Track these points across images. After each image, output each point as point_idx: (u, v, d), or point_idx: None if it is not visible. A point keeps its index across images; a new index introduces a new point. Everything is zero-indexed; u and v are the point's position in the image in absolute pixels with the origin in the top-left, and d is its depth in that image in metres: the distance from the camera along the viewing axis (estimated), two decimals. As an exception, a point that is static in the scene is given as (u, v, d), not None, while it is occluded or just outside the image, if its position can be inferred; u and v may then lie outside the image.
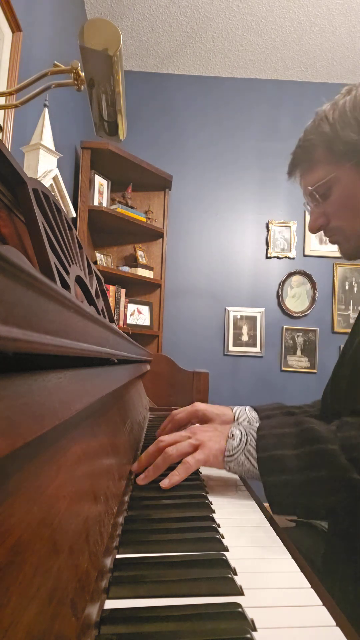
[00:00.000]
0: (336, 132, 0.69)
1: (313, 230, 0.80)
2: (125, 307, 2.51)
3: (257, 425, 0.60)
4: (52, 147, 1.23)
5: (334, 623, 0.30)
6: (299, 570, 0.38)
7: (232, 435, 0.58)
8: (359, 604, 0.57)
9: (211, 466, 0.58)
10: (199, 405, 0.80)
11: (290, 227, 2.90)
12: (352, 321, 2.85)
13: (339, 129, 0.69)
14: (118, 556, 0.37)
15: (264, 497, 0.55)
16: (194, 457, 0.56)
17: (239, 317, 2.85)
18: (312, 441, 0.53)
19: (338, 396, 0.72)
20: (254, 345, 2.83)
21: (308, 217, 0.81)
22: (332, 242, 0.80)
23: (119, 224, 2.48)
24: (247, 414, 0.84)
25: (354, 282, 2.88)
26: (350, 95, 0.70)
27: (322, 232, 0.81)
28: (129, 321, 2.52)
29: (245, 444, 0.57)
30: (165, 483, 0.54)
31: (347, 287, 2.88)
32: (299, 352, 2.84)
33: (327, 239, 0.81)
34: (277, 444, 0.55)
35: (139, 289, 2.65)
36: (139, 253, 2.60)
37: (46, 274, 0.41)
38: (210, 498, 0.54)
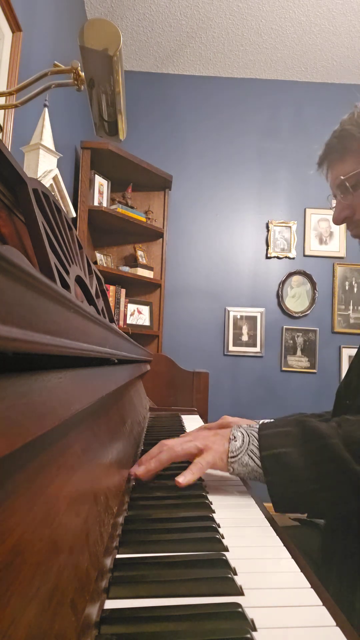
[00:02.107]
0: None
1: (338, 221, 0.80)
2: (125, 307, 2.51)
3: (257, 426, 0.60)
4: (52, 147, 1.23)
5: (334, 623, 0.30)
6: (299, 570, 0.38)
7: (234, 437, 0.58)
8: (355, 597, 0.57)
9: (217, 468, 0.58)
10: (229, 418, 0.81)
11: (290, 227, 2.90)
12: (352, 321, 2.85)
13: None
14: (118, 556, 0.37)
15: (264, 497, 0.55)
16: (204, 459, 0.56)
17: (239, 317, 2.85)
18: (314, 438, 0.53)
19: (349, 391, 0.74)
20: (254, 345, 2.83)
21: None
22: (355, 235, 0.80)
23: (119, 224, 2.48)
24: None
25: (354, 282, 2.88)
26: None
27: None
28: (129, 321, 2.52)
29: (248, 444, 0.57)
30: (181, 479, 0.54)
31: (347, 287, 2.88)
32: (299, 352, 2.83)
33: (350, 232, 0.81)
34: (280, 442, 0.55)
35: (139, 289, 2.65)
36: (139, 253, 2.60)
37: (46, 274, 0.41)
38: (210, 498, 0.54)
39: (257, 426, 0.60)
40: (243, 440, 0.57)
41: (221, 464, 0.57)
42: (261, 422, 0.86)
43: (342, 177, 0.75)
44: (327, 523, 0.71)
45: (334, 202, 0.82)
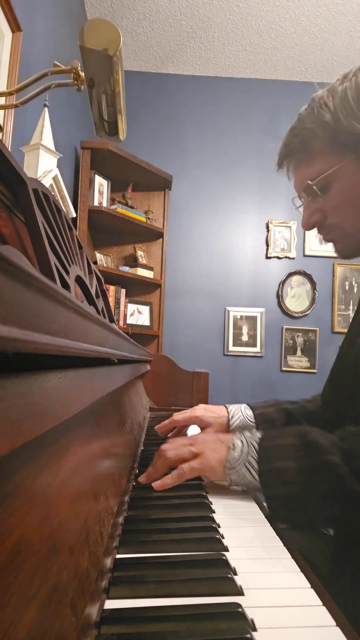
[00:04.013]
0: (339, 122, 0.63)
1: (307, 227, 0.74)
2: (125, 307, 2.51)
3: (259, 435, 0.58)
4: (52, 147, 1.23)
5: (334, 623, 0.30)
6: (299, 570, 0.38)
7: (234, 445, 0.57)
8: None
9: (208, 477, 0.58)
10: (197, 411, 0.80)
11: (290, 227, 2.90)
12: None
13: (341, 118, 0.63)
14: (118, 556, 0.37)
15: (264, 498, 0.55)
16: (190, 465, 0.55)
17: (239, 317, 2.85)
18: (313, 453, 0.52)
19: (339, 398, 0.72)
20: (254, 345, 2.83)
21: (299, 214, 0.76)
22: (328, 240, 0.75)
23: (119, 224, 2.48)
24: (241, 413, 0.83)
25: (354, 282, 2.88)
26: (350, 82, 0.64)
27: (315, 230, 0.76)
28: (129, 321, 2.52)
29: (247, 455, 0.55)
30: (157, 484, 0.55)
31: (347, 287, 2.88)
32: (299, 352, 2.83)
33: (321, 237, 0.76)
34: (279, 455, 0.54)
35: (139, 289, 2.65)
36: (139, 253, 2.60)
37: (46, 274, 0.41)
38: (210, 498, 0.54)
39: (259, 435, 0.58)
40: (242, 451, 0.56)
41: (212, 473, 0.56)
42: (229, 407, 0.84)
43: (309, 182, 0.69)
44: (338, 532, 0.69)
45: (297, 203, 0.76)
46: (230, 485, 0.59)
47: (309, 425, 0.83)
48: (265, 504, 0.54)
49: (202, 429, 0.81)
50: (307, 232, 2.88)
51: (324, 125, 0.65)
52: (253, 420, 0.82)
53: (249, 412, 0.84)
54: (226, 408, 0.84)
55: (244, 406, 0.85)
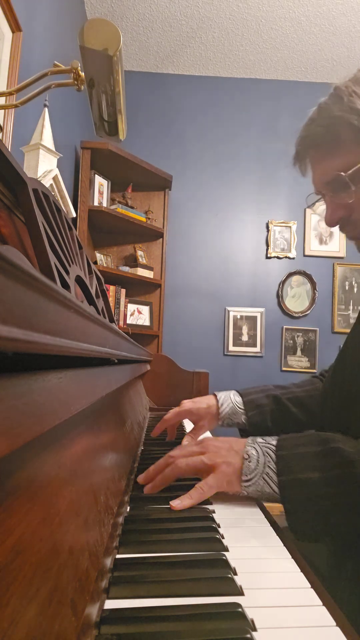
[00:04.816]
0: None
1: (332, 224, 0.70)
2: (125, 307, 2.51)
3: (275, 442, 0.54)
4: (52, 147, 1.23)
5: (334, 623, 0.30)
6: (299, 570, 0.38)
7: (248, 456, 0.53)
8: None
9: (226, 491, 0.53)
10: (186, 405, 0.79)
11: (290, 227, 2.90)
12: (352, 321, 2.85)
13: None
14: (118, 556, 0.37)
15: (265, 500, 0.54)
16: (207, 484, 0.52)
17: (239, 317, 2.85)
18: (340, 463, 0.47)
19: (340, 395, 0.71)
20: (254, 345, 2.83)
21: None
22: (351, 237, 0.72)
23: (119, 224, 2.48)
24: (230, 400, 0.82)
25: (354, 282, 2.88)
26: None
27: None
28: (129, 321, 2.52)
29: (264, 466, 0.51)
30: (176, 503, 0.50)
31: (347, 287, 2.88)
32: (299, 352, 2.83)
33: (346, 235, 0.73)
34: (300, 465, 0.49)
35: (139, 289, 2.65)
36: (139, 253, 2.60)
37: (46, 274, 0.41)
38: (210, 498, 0.54)
39: (275, 442, 0.54)
40: (258, 461, 0.52)
41: (230, 487, 0.52)
42: (218, 395, 0.82)
43: (341, 173, 0.64)
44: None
45: (311, 200, 0.73)
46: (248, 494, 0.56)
47: (303, 414, 0.82)
48: (267, 505, 0.53)
49: (195, 422, 0.80)
50: (307, 232, 2.88)
51: (356, 112, 0.62)
52: (242, 407, 0.81)
53: (238, 399, 0.83)
54: (215, 396, 0.83)
55: (233, 393, 0.84)
